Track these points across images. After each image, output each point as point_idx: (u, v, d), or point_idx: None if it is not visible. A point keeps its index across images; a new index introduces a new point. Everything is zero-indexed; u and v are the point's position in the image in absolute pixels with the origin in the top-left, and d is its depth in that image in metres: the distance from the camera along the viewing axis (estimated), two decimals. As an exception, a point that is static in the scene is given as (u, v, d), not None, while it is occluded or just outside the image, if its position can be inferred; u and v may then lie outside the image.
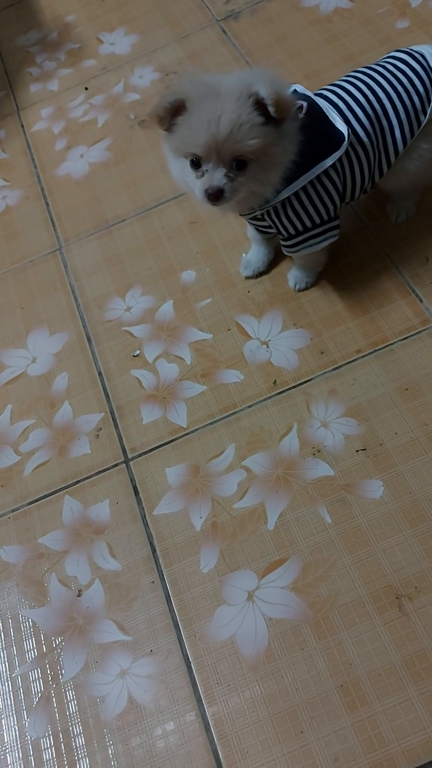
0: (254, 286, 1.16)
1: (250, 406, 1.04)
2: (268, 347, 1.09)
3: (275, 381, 1.06)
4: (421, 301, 1.07)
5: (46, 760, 0.83)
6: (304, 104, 0.90)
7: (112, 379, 1.12)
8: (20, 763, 0.84)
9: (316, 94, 0.97)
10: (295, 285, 1.13)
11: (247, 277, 1.17)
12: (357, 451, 0.96)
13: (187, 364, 1.10)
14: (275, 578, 0.89)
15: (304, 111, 0.90)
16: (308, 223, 0.98)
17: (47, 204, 1.40)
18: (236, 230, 1.24)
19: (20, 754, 0.84)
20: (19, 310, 1.25)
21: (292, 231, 0.99)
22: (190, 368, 1.10)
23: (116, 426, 1.07)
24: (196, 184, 0.88)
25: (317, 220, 0.98)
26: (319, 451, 0.98)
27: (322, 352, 1.07)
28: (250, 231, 1.15)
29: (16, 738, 0.85)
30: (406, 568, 0.86)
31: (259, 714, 0.81)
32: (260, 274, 1.17)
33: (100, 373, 1.13)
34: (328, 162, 0.92)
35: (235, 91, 0.82)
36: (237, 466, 0.99)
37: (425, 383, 0.99)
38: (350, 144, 0.94)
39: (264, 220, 1.00)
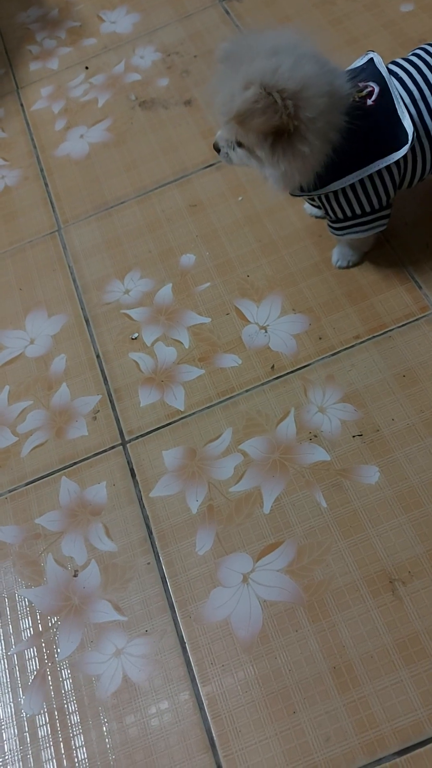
0: (254, 270, 1.16)
1: (247, 391, 1.04)
2: (266, 332, 1.09)
3: (273, 366, 1.06)
4: (420, 287, 1.07)
5: (42, 737, 0.84)
6: (375, 88, 0.85)
7: (110, 361, 1.12)
8: (15, 740, 0.85)
9: (391, 71, 0.90)
10: (337, 262, 1.11)
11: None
12: (353, 436, 0.97)
13: (186, 348, 1.10)
14: (270, 561, 0.89)
15: (374, 97, 0.84)
16: (358, 211, 0.96)
17: (46, 185, 1.39)
18: (236, 214, 1.23)
19: (15, 731, 0.85)
20: (17, 291, 1.25)
21: (340, 215, 0.97)
22: (188, 352, 1.10)
23: (114, 408, 1.07)
24: None
25: (368, 209, 0.96)
26: (315, 436, 0.98)
27: (320, 338, 1.07)
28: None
29: (11, 715, 0.86)
30: (400, 553, 0.87)
31: (253, 694, 0.82)
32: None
33: (98, 356, 1.13)
34: (384, 163, 0.88)
35: (243, 71, 0.78)
36: (234, 450, 0.99)
37: (423, 370, 1.00)
38: (417, 138, 0.89)
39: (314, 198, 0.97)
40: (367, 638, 0.82)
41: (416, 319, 1.04)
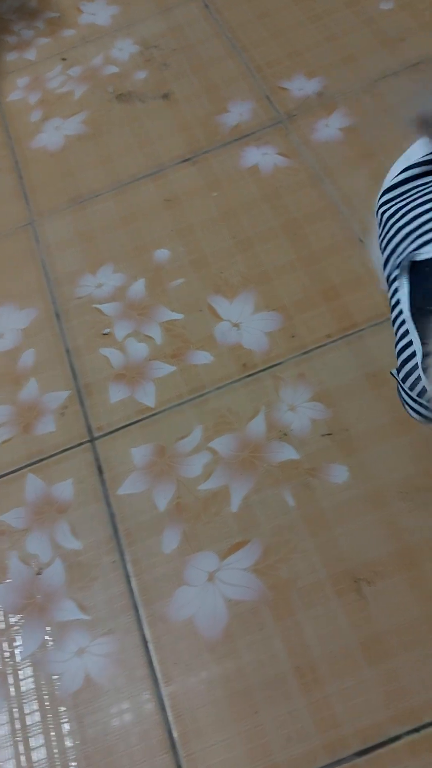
0: (228, 267, 1.15)
1: (218, 388, 1.04)
2: (239, 329, 1.09)
3: (245, 363, 1.05)
4: (392, 287, 1.07)
5: (1, 736, 0.83)
6: None
7: (80, 356, 1.11)
8: (-25, 739, 0.83)
9: None
10: None
11: None
12: (323, 435, 0.96)
13: (157, 344, 1.09)
14: (237, 560, 0.89)
15: None
16: None
17: (20, 176, 1.37)
18: (212, 209, 1.22)
19: (-25, 730, 0.84)
20: (-12, 283, 1.23)
21: None
22: (160, 348, 1.09)
23: (83, 404, 1.06)
24: None
25: None
26: (285, 435, 0.97)
27: (293, 336, 1.06)
28: None
29: (-29, 714, 0.85)
30: (366, 553, 0.86)
31: (215, 694, 0.81)
32: None
33: (68, 351, 1.12)
34: None
35: None
36: (203, 448, 0.98)
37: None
38: None
39: None
40: (331, 638, 0.82)
41: (387, 319, 1.04)
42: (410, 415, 0.75)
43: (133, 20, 1.58)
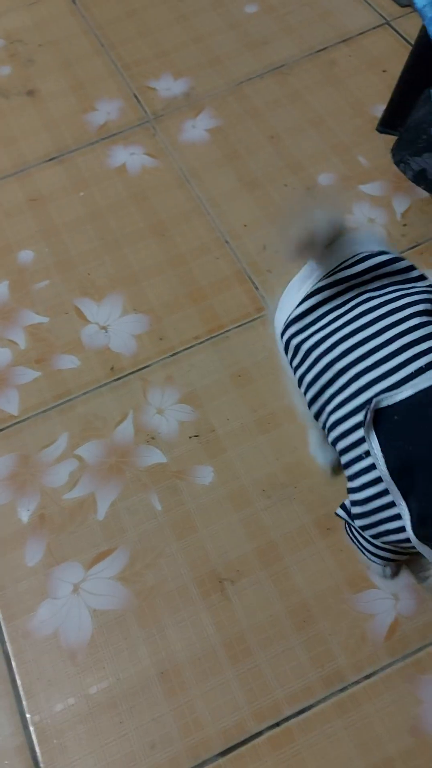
0: (95, 268, 1.13)
1: (85, 393, 1.02)
2: (106, 332, 1.07)
3: (112, 367, 1.04)
4: (257, 288, 1.09)
5: None
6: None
7: None
8: None
9: None
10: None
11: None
12: (190, 437, 0.97)
13: (21, 349, 1.06)
14: (102, 569, 0.87)
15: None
16: None
17: None
18: (78, 209, 1.20)
19: None
20: None
21: None
22: (24, 353, 1.05)
23: None
24: None
25: None
26: (153, 438, 0.97)
27: (160, 338, 1.06)
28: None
29: None
30: (229, 552, 0.87)
31: (79, 707, 0.79)
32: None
33: None
34: None
35: None
36: (69, 456, 0.96)
37: (256, 370, 1.01)
38: None
39: None
40: (195, 640, 0.82)
41: (252, 320, 1.06)
42: (366, 557, 0.75)
43: (-3, 12, 1.52)
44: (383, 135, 1.20)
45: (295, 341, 0.71)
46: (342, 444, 0.67)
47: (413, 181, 1.02)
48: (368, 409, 0.62)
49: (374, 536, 0.69)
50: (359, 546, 0.75)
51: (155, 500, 0.92)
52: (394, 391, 0.62)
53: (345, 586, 0.84)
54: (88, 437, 0.98)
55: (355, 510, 0.69)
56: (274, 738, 0.76)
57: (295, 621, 0.82)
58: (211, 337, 1.05)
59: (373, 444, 0.62)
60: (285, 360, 0.73)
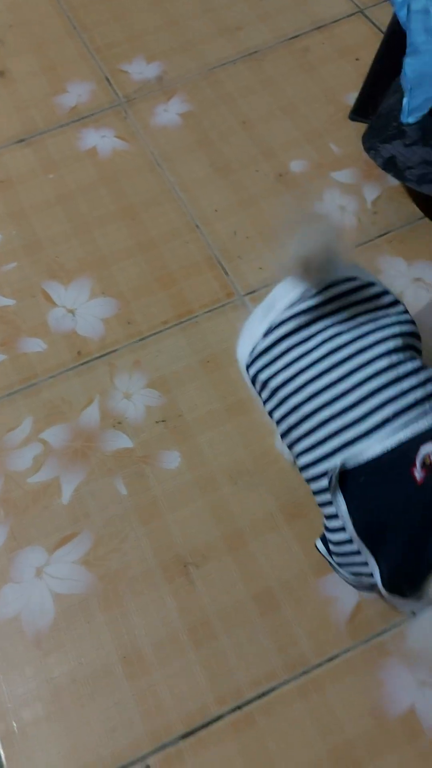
0: (64, 251, 1.12)
1: (51, 377, 1.00)
2: (74, 315, 1.06)
3: (79, 351, 1.02)
4: (227, 274, 1.08)
5: None
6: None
7: None
8: None
9: None
10: None
11: None
12: (157, 422, 0.96)
13: (-14, 332, 1.04)
14: (66, 553, 0.87)
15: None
16: None
17: None
18: (48, 192, 1.18)
19: None
20: None
21: None
22: (-11, 336, 1.04)
23: None
24: None
25: None
26: (120, 423, 0.96)
27: (129, 323, 1.05)
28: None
29: None
30: (195, 537, 0.87)
31: (41, 692, 0.78)
32: None
33: None
34: None
35: None
36: (34, 439, 0.95)
37: (226, 356, 1.01)
38: None
39: None
40: (158, 624, 0.82)
41: (222, 305, 1.05)
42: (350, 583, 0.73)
43: (-32, -10, 1.49)
44: (355, 123, 1.20)
45: (262, 376, 0.69)
46: (313, 486, 0.67)
47: (383, 168, 1.02)
48: (332, 474, 0.61)
49: (351, 573, 0.68)
50: (337, 572, 0.73)
51: (120, 485, 0.91)
52: (360, 449, 0.61)
53: (309, 571, 0.84)
54: (54, 421, 0.96)
55: (331, 547, 0.68)
56: (236, 721, 0.76)
57: (259, 605, 0.82)
58: (180, 322, 1.04)
59: (341, 506, 0.62)
60: (253, 392, 0.72)
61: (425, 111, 0.93)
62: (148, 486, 0.91)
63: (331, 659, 0.78)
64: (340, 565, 0.69)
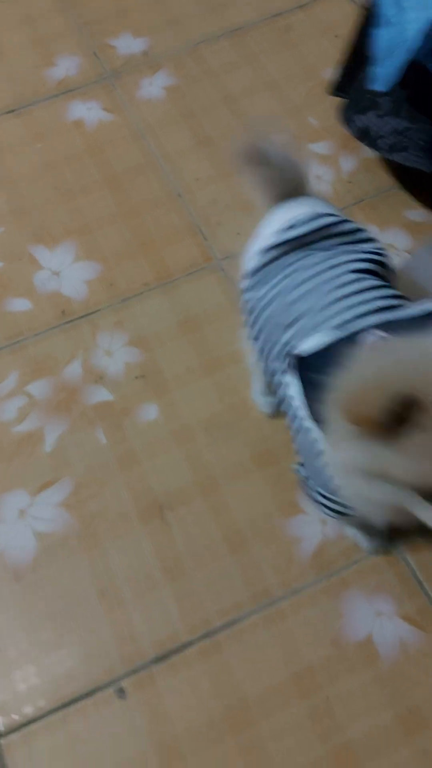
0: (50, 218, 1.16)
1: (36, 335, 1.05)
2: (58, 277, 1.10)
3: (63, 311, 1.07)
4: (206, 239, 1.12)
5: None
6: None
7: None
8: None
9: None
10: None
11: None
12: (137, 377, 1.01)
13: (-26, 292, 1.08)
14: (48, 496, 0.91)
15: None
16: None
17: None
18: (35, 161, 1.22)
19: None
20: None
21: None
22: (-23, 296, 1.08)
23: None
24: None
25: None
26: (101, 378, 1.01)
27: (111, 285, 1.09)
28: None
29: None
30: (171, 483, 0.92)
31: (21, 621, 0.83)
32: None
33: None
34: None
35: None
36: (19, 392, 0.99)
37: (204, 318, 1.05)
38: None
39: None
40: (134, 562, 0.86)
41: (200, 269, 1.10)
42: (324, 513, 0.73)
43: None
44: (334, 98, 1.24)
45: (248, 296, 0.74)
46: (281, 392, 0.70)
47: (357, 138, 1.07)
48: (288, 352, 0.66)
49: (322, 485, 0.70)
50: (314, 501, 0.74)
51: (101, 435, 0.96)
52: (310, 339, 0.65)
53: (276, 512, 0.89)
54: (38, 376, 1.01)
55: (300, 459, 0.72)
56: (205, 648, 0.81)
57: (229, 545, 0.87)
58: (161, 285, 1.09)
59: (294, 385, 0.65)
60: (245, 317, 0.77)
61: (396, 80, 0.98)
62: (127, 437, 0.96)
63: (295, 592, 0.83)
64: (309, 479, 0.71)
